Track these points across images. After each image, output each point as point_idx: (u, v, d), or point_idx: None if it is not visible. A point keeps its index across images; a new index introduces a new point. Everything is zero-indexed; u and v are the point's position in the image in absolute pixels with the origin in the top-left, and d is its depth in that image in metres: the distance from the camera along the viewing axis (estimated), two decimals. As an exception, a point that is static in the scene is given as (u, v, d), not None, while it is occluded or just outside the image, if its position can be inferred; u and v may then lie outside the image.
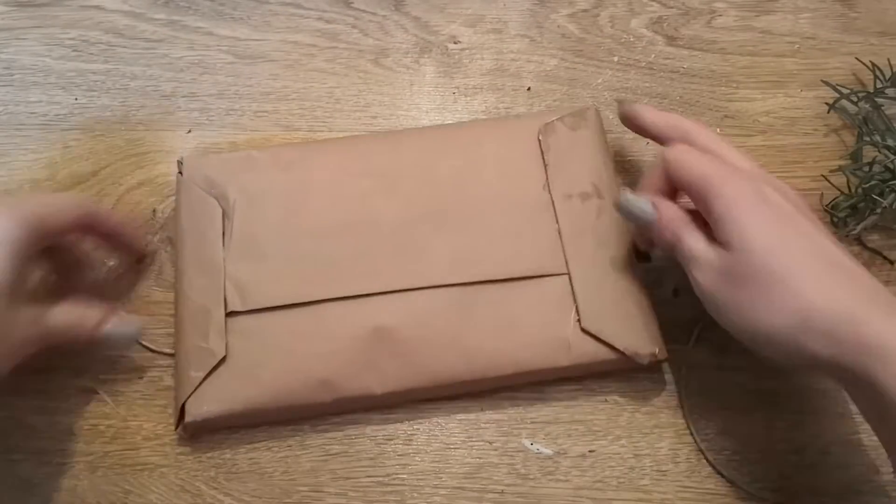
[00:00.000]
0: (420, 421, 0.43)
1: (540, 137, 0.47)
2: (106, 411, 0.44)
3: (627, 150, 0.51)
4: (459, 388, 0.43)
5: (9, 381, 0.44)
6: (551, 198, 0.46)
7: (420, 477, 0.42)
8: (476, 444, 0.43)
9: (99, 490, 0.42)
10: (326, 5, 0.58)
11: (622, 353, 0.41)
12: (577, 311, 0.42)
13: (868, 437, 0.42)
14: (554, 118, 0.48)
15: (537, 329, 0.42)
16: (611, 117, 0.52)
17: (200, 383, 0.41)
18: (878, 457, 0.42)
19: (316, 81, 0.55)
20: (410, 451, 0.43)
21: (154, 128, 0.53)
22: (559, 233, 0.44)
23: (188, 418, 0.41)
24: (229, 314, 0.43)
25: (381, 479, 0.42)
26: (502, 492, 0.42)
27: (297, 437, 0.43)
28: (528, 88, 0.54)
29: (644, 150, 0.51)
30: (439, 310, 0.43)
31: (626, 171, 0.50)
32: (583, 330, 0.42)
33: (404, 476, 0.42)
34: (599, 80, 0.54)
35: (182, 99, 0.54)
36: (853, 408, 0.43)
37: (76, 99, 0.54)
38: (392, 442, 0.43)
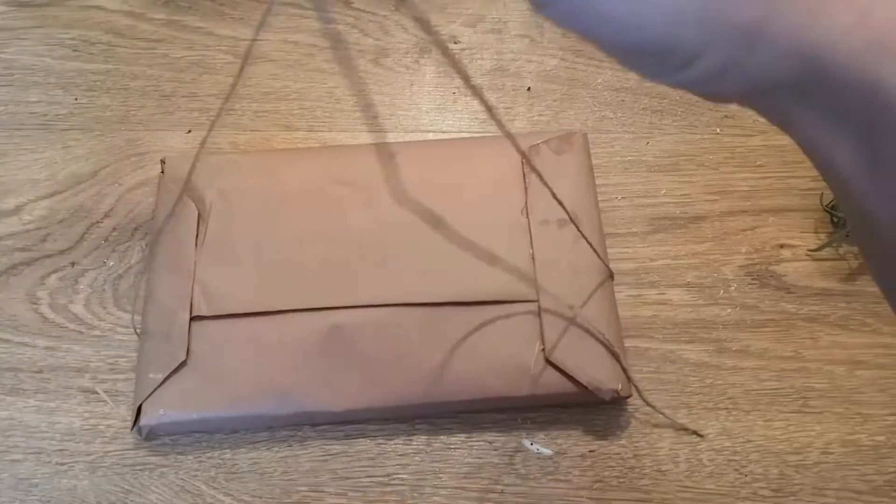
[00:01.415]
0: (420, 421, 0.43)
1: (524, 160, 0.47)
2: (106, 411, 0.44)
3: (628, 150, 0.51)
4: (420, 410, 0.42)
5: (9, 381, 0.44)
6: (528, 222, 0.45)
7: (420, 477, 0.42)
8: (476, 444, 0.43)
9: (99, 490, 0.42)
10: (326, 5, 0.58)
11: (584, 387, 0.41)
12: (543, 341, 0.42)
13: (868, 437, 0.42)
14: (539, 141, 0.47)
15: (502, 356, 0.41)
16: (611, 116, 0.53)
17: (159, 386, 0.41)
18: (879, 457, 0.42)
19: (316, 81, 0.55)
20: (410, 451, 0.43)
21: (154, 128, 0.53)
22: (532, 258, 0.44)
23: (143, 420, 0.41)
24: (194, 318, 0.42)
25: (381, 479, 0.42)
26: (502, 492, 0.41)
27: (297, 437, 0.43)
28: (528, 88, 0.54)
29: (644, 149, 0.51)
30: (404, 328, 0.42)
31: (628, 170, 0.51)
32: (547, 360, 0.41)
33: (404, 476, 0.42)
34: (599, 80, 0.54)
35: (182, 99, 0.54)
36: (853, 407, 0.43)
37: (76, 99, 0.54)
38: (392, 442, 0.43)
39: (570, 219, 0.44)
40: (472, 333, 0.42)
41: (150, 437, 0.42)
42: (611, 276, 0.44)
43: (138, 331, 0.44)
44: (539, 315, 0.42)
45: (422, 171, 0.47)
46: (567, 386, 0.41)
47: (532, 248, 0.44)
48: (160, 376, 0.41)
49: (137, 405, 0.41)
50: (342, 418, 0.42)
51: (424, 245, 0.44)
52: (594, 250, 0.44)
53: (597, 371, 0.41)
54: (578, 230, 0.44)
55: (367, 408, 0.41)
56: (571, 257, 0.44)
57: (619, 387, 0.41)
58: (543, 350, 0.41)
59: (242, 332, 0.42)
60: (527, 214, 0.45)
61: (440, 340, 0.42)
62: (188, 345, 0.42)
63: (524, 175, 0.46)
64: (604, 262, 0.45)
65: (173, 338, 0.42)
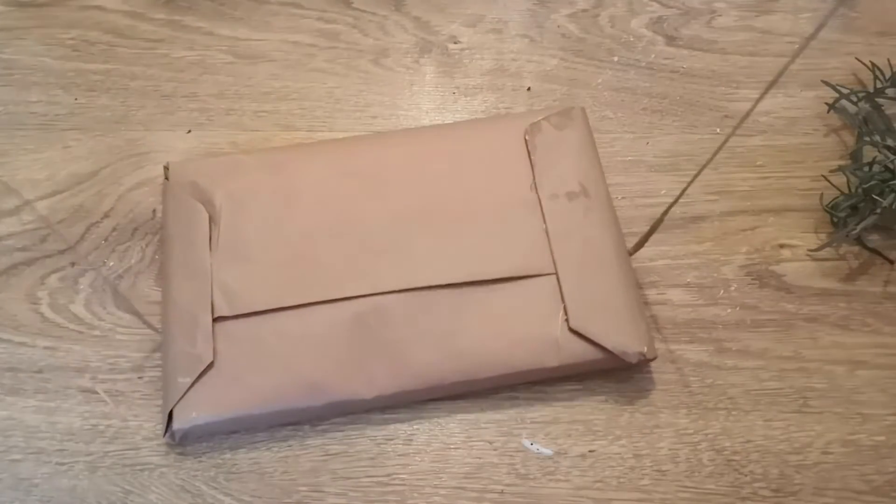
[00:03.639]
0: (420, 421, 0.43)
1: (526, 137, 0.47)
2: (106, 411, 0.44)
3: (628, 150, 0.51)
4: (449, 390, 0.42)
5: (9, 381, 0.44)
6: (538, 197, 0.45)
7: (420, 477, 0.42)
8: (476, 444, 0.43)
9: (99, 490, 0.42)
10: (326, 5, 0.58)
11: (611, 353, 0.41)
12: (565, 311, 0.42)
13: (868, 437, 0.42)
14: (540, 118, 0.48)
15: (526, 329, 0.42)
16: (611, 116, 0.53)
17: (188, 389, 0.41)
18: (879, 457, 0.42)
19: (316, 81, 0.55)
20: (410, 451, 0.43)
21: (154, 128, 0.53)
22: (546, 232, 0.44)
23: (176, 425, 0.41)
24: (217, 319, 0.42)
25: (381, 479, 0.42)
26: (502, 492, 0.41)
27: (297, 437, 0.43)
28: (528, 88, 0.54)
29: (644, 149, 0.51)
30: (426, 311, 0.42)
31: (628, 170, 0.50)
32: (571, 329, 0.42)
33: (404, 476, 0.42)
34: (599, 80, 0.54)
35: (182, 99, 0.54)
36: (853, 407, 0.43)
37: (76, 99, 0.54)
38: (392, 442, 0.43)
39: (579, 190, 0.45)
40: (495, 311, 0.42)
41: (184, 441, 0.42)
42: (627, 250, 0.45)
43: (156, 326, 0.44)
44: (559, 287, 0.43)
45: (426, 157, 0.47)
46: (593, 353, 0.41)
47: (545, 222, 0.44)
48: (189, 380, 0.41)
49: (168, 410, 0.41)
50: (374, 405, 0.42)
51: (438, 228, 0.45)
52: (605, 219, 0.45)
53: (622, 336, 0.41)
54: (588, 200, 0.45)
55: (398, 392, 0.41)
56: (584, 228, 0.44)
57: (645, 349, 0.41)
58: (567, 320, 0.42)
59: (266, 329, 0.42)
60: (536, 190, 0.45)
61: (463, 320, 0.42)
62: (213, 346, 0.42)
63: (528, 152, 0.47)
64: (617, 229, 0.45)
65: (198, 341, 0.42)
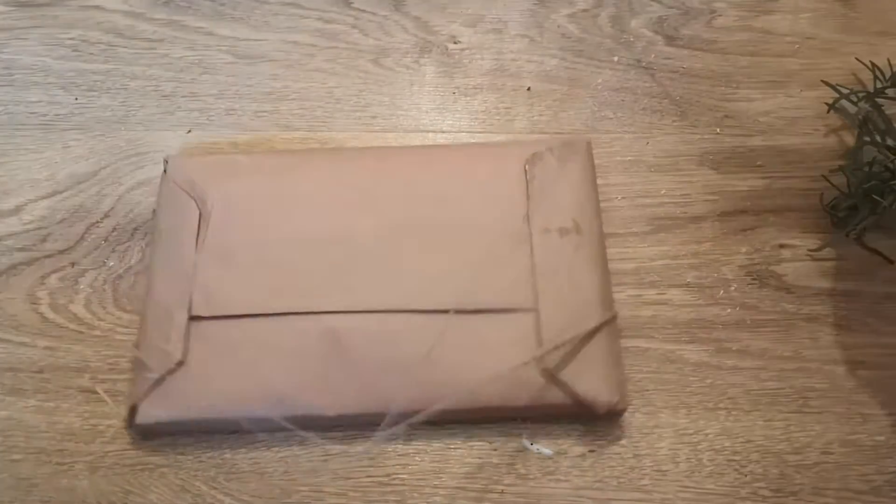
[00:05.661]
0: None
1: (526, 167, 0.46)
2: (106, 411, 0.44)
3: (628, 150, 0.51)
4: (414, 417, 0.41)
5: (9, 381, 0.44)
6: (530, 230, 0.44)
7: (420, 477, 0.42)
8: (476, 444, 0.43)
9: (99, 490, 0.42)
10: (326, 5, 0.58)
11: (580, 399, 0.41)
12: (540, 351, 0.41)
13: (868, 437, 0.42)
14: (543, 148, 0.47)
15: (498, 365, 0.41)
16: (611, 116, 0.53)
17: (155, 385, 0.41)
18: (878, 457, 0.42)
19: (316, 81, 0.55)
20: (410, 451, 0.43)
21: (154, 128, 0.53)
22: (532, 267, 0.43)
23: (139, 419, 0.41)
24: (193, 318, 0.42)
25: (381, 479, 0.42)
26: (502, 492, 0.41)
27: (297, 437, 0.43)
28: (528, 88, 0.54)
29: (644, 149, 0.51)
30: (401, 335, 0.42)
31: (628, 170, 0.50)
32: (543, 371, 0.41)
33: (404, 476, 0.42)
34: (599, 80, 0.54)
35: (182, 99, 0.54)
36: (853, 407, 0.43)
37: (76, 99, 0.54)
38: (392, 441, 0.43)
39: (572, 227, 0.44)
40: (470, 342, 0.42)
41: (146, 436, 0.42)
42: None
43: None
44: (537, 325, 0.42)
45: (424, 177, 0.47)
46: (562, 397, 0.41)
47: (532, 256, 0.44)
48: (156, 375, 0.41)
49: (133, 404, 0.41)
50: (336, 423, 0.42)
51: (424, 251, 0.44)
52: (593, 260, 0.44)
53: (594, 384, 0.41)
54: (579, 238, 0.44)
55: (361, 413, 0.41)
56: (572, 267, 0.44)
57: (616, 400, 0.41)
58: (540, 360, 0.41)
59: (240, 334, 0.42)
60: (528, 222, 0.45)
61: (437, 348, 0.41)
62: (186, 345, 0.42)
63: (527, 182, 0.46)
64: (604, 271, 0.44)
65: (171, 337, 0.42)
